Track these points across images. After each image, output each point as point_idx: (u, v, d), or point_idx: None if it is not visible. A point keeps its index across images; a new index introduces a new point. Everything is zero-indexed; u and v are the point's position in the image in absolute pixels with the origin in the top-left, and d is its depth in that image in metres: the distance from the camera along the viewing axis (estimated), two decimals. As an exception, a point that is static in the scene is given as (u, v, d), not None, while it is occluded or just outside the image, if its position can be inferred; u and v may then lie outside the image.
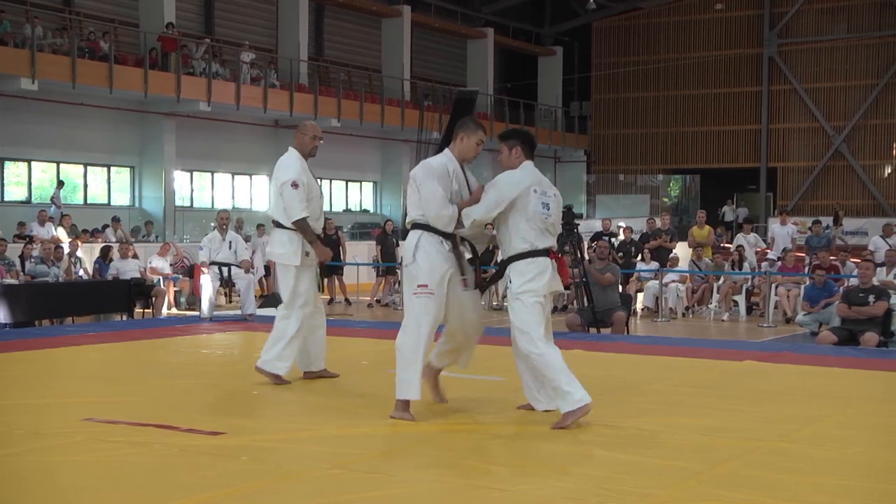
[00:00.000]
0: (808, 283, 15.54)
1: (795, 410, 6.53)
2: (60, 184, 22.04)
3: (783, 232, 20.32)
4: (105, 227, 20.93)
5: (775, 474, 4.87)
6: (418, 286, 6.08)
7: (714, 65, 35.62)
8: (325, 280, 17.37)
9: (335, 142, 24.95)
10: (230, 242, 13.03)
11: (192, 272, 17.83)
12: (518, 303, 6.02)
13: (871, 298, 11.44)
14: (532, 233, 6.03)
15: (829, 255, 16.78)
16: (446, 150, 6.32)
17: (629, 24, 37.10)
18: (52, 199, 21.36)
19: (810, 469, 4.98)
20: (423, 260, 6.10)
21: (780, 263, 17.82)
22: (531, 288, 5.99)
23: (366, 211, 30.84)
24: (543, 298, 6.05)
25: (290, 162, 7.48)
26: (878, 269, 14.55)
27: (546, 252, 6.09)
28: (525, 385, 6.33)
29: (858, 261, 15.00)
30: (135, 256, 16.92)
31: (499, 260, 6.31)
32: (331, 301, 18.08)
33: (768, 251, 19.97)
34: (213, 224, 13.35)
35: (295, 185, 7.34)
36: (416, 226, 6.20)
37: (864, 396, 7.19)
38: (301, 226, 7.40)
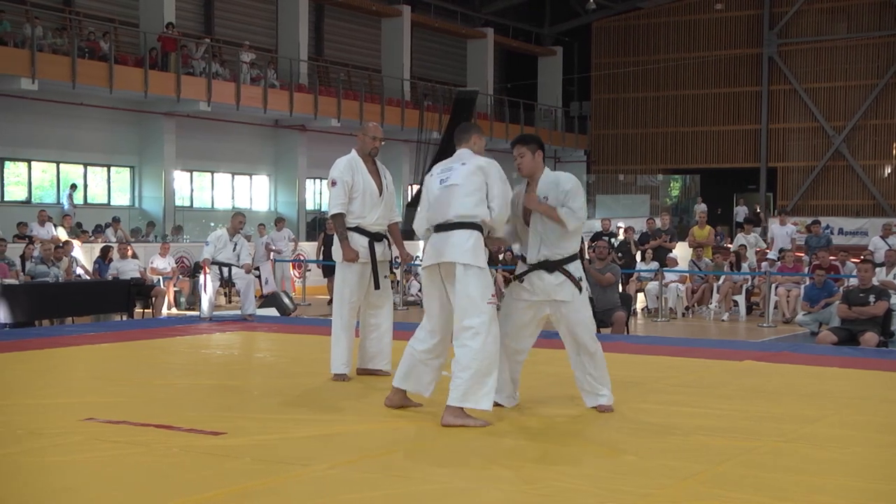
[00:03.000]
0: (807, 283, 15.55)
1: (794, 410, 6.53)
2: (73, 186, 22.34)
3: (782, 232, 20.33)
4: (107, 225, 21.05)
5: (774, 474, 4.88)
6: (492, 295, 5.99)
7: (714, 65, 35.62)
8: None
9: (334, 141, 24.95)
10: (235, 244, 13.05)
11: (193, 272, 17.86)
12: (584, 302, 6.25)
13: (872, 298, 11.44)
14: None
15: (828, 254, 16.79)
16: (472, 153, 6.28)
17: (629, 24, 37.11)
18: (68, 196, 21.88)
19: (809, 469, 4.99)
20: (486, 266, 6.03)
21: (779, 263, 17.84)
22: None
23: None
24: None
25: (339, 161, 7.71)
26: (878, 269, 14.56)
27: None
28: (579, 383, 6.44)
29: (858, 261, 15.01)
30: (133, 256, 16.93)
31: (535, 260, 6.21)
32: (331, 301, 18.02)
33: (768, 251, 19.99)
34: (213, 224, 13.34)
35: (333, 182, 7.59)
36: (474, 226, 6.03)
37: (863, 396, 7.20)
38: (333, 221, 7.64)
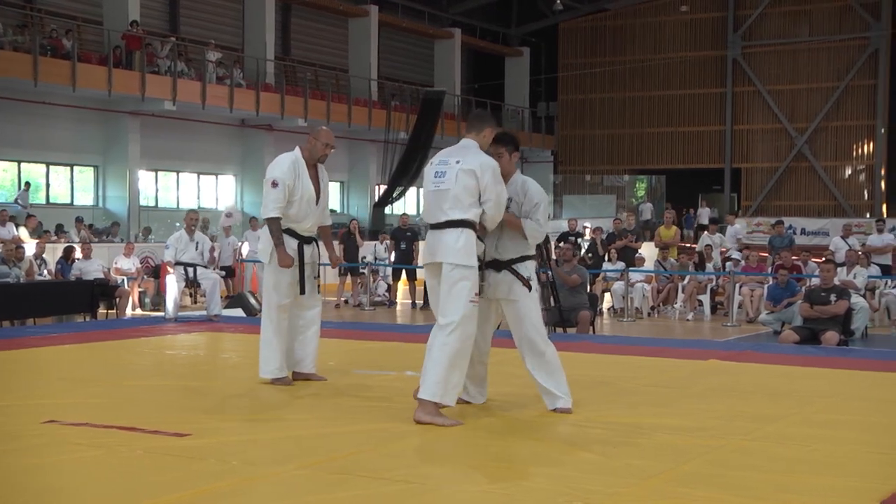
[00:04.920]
0: (770, 282, 15.69)
1: (758, 409, 6.59)
2: (27, 185, 22.00)
3: (730, 232, 20.62)
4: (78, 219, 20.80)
5: (738, 472, 4.91)
6: (476, 294, 6.05)
7: (679, 66, 35.86)
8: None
9: (301, 141, 24.61)
10: (197, 243, 12.95)
11: (157, 272, 17.73)
12: (533, 301, 6.28)
13: (833, 298, 11.56)
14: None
15: (791, 254, 16.96)
16: (478, 146, 6.24)
17: (596, 25, 37.28)
18: (16, 199, 21.34)
19: (774, 467, 5.03)
20: (476, 267, 6.08)
21: (743, 263, 18.00)
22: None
23: (332, 211, 30.60)
24: None
25: (282, 160, 7.44)
26: (839, 268, 14.73)
27: None
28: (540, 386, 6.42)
29: (820, 261, 15.18)
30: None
31: (487, 258, 6.29)
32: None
33: (723, 251, 20.16)
34: (178, 224, 13.26)
35: (275, 183, 7.29)
36: (466, 224, 6.05)
37: (825, 394, 7.27)
38: (269, 225, 7.37)
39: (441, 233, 6.08)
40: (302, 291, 7.46)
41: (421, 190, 6.61)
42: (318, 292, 7.71)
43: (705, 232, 21.55)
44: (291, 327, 7.58)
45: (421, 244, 19.90)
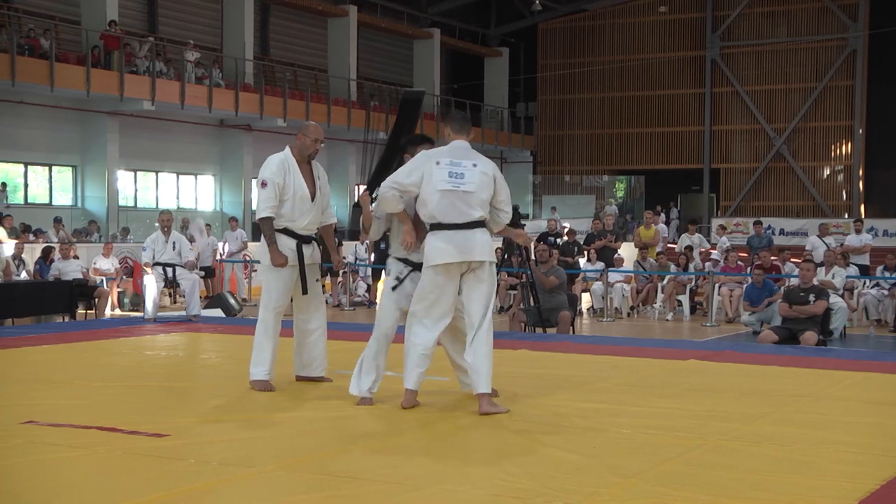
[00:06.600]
0: (749, 282, 15.78)
1: (737, 408, 6.62)
2: (3, 185, 21.87)
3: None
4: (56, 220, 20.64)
5: (716, 472, 4.94)
6: None
7: (658, 67, 35.98)
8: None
9: (280, 141, 24.62)
10: (174, 243, 12.88)
11: (130, 272, 17.69)
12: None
13: (812, 298, 11.62)
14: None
15: (770, 255, 17.04)
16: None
17: (575, 25, 37.35)
18: None
19: (750, 466, 5.06)
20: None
21: (722, 263, 18.07)
22: None
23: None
24: None
25: (272, 160, 7.34)
26: (818, 268, 14.82)
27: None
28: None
29: (799, 261, 15.26)
30: (75, 257, 16.69)
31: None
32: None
33: (712, 251, 20.23)
34: (157, 224, 13.21)
35: (264, 183, 7.21)
36: (485, 224, 6.42)
37: (803, 394, 7.31)
38: (262, 225, 7.29)
39: (471, 232, 6.32)
40: (304, 292, 7.35)
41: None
42: (323, 293, 7.67)
43: (685, 233, 21.63)
44: (298, 331, 7.50)
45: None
